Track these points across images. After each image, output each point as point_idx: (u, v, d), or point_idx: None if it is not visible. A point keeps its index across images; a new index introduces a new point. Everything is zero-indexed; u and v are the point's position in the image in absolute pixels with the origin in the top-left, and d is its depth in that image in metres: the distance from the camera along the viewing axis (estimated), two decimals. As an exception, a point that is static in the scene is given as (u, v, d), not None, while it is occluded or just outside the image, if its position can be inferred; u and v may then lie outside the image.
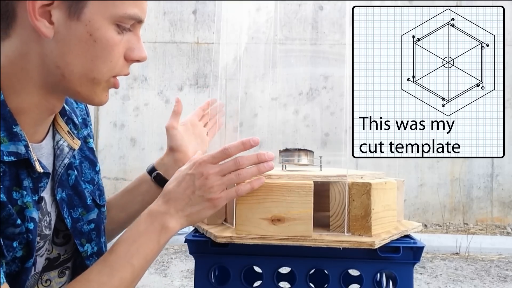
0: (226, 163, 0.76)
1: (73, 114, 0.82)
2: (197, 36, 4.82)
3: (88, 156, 0.86)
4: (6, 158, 0.64)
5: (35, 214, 0.68)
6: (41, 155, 0.73)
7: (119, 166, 4.87)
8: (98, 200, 0.85)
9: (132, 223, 0.77)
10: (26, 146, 0.66)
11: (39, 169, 0.68)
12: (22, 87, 0.68)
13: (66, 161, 0.76)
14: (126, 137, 4.86)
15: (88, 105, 0.87)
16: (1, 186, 0.63)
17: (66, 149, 0.76)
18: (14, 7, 0.65)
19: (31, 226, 0.66)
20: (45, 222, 0.73)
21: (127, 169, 4.82)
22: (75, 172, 0.80)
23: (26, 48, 0.67)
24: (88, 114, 0.91)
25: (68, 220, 0.76)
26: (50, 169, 0.74)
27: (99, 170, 0.89)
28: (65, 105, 0.79)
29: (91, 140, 0.88)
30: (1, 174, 0.63)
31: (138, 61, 0.71)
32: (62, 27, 0.65)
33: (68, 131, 0.78)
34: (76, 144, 0.78)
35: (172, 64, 4.82)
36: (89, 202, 0.81)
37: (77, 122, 0.83)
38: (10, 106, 0.66)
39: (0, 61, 0.67)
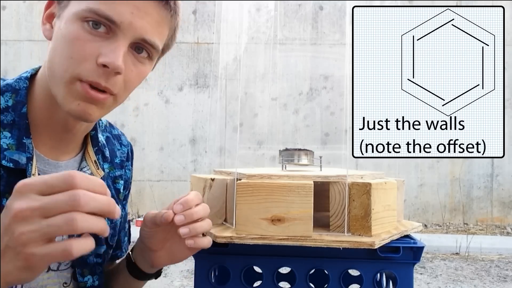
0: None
1: (106, 148, 0.83)
2: (197, 36, 4.82)
3: (113, 195, 0.85)
4: (4, 163, 0.65)
5: None
6: (55, 173, 0.74)
7: (119, 166, 4.87)
8: (109, 239, 0.84)
9: None
10: (29, 159, 0.67)
11: None
12: (40, 96, 0.71)
13: None
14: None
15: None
16: None
17: None
18: None
19: None
20: None
21: (127, 169, 4.83)
22: None
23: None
24: (129, 159, 0.90)
25: None
26: None
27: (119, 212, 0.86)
28: (102, 139, 0.81)
29: (121, 182, 0.86)
30: None
31: (104, 66, 0.63)
32: (54, 28, 0.68)
33: (95, 161, 0.79)
34: (99, 174, 0.78)
35: (172, 64, 4.82)
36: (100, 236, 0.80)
37: (107, 155, 0.83)
38: (34, 117, 0.69)
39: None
